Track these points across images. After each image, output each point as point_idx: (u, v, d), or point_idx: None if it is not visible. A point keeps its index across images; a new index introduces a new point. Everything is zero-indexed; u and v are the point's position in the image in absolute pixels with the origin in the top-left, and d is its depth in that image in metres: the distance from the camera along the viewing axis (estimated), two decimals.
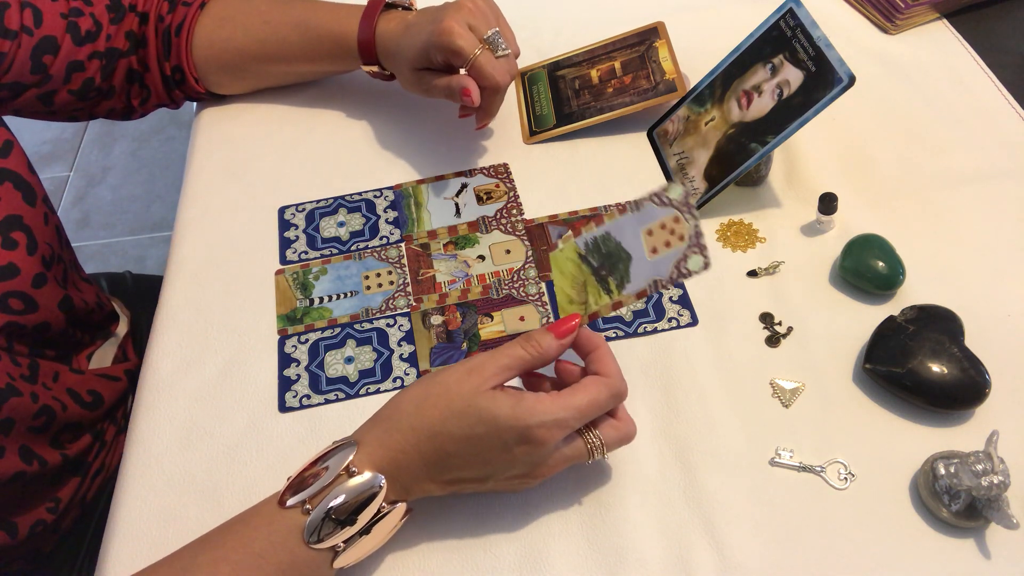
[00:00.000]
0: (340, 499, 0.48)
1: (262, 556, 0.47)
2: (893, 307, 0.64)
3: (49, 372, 0.65)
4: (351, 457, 0.49)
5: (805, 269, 0.67)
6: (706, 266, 0.48)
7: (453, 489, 0.53)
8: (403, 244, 0.72)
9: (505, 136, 0.80)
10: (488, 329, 0.66)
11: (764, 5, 0.71)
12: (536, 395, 0.49)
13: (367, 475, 0.48)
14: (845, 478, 0.56)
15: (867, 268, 0.64)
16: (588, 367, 0.53)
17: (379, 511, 0.49)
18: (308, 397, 0.63)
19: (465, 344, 0.65)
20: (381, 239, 0.72)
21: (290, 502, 0.48)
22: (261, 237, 0.73)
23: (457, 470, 0.50)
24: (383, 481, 0.49)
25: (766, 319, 0.65)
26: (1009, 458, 0.53)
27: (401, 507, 0.50)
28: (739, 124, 0.69)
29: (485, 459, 0.50)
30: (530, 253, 0.70)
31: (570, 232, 0.56)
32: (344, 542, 0.48)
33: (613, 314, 0.63)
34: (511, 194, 0.75)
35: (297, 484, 0.49)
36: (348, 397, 0.63)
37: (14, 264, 0.61)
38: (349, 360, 0.65)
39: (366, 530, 0.49)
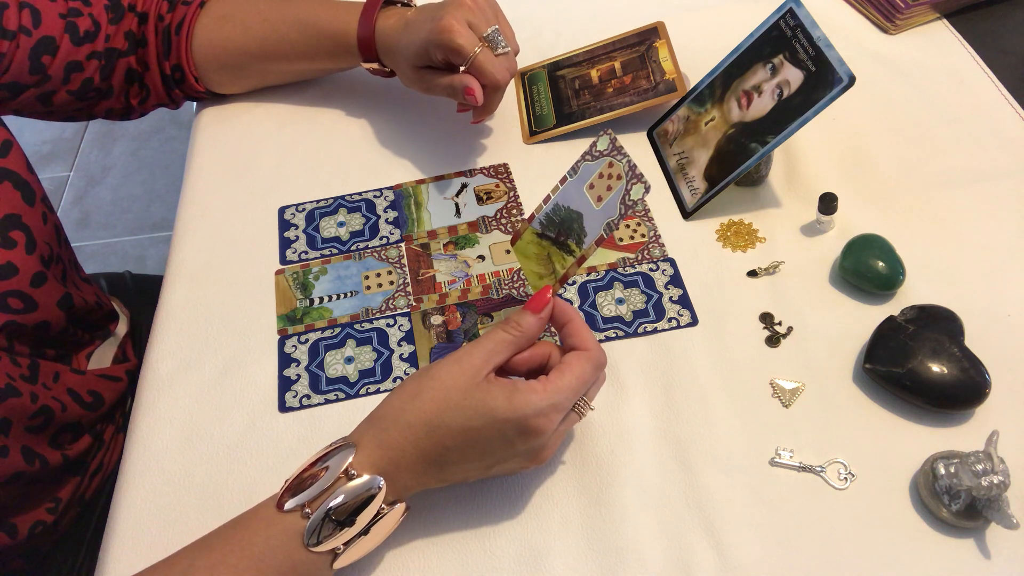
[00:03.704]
0: (339, 499, 0.48)
1: (261, 560, 0.47)
2: (893, 307, 0.64)
3: (49, 372, 0.65)
4: (350, 459, 0.49)
5: (805, 269, 0.67)
6: (647, 190, 0.51)
7: (454, 481, 0.53)
8: (403, 244, 0.72)
9: (505, 136, 0.80)
10: (488, 329, 0.65)
11: (764, 5, 0.71)
12: (528, 383, 0.49)
13: (366, 477, 0.48)
14: (845, 478, 0.56)
15: (867, 268, 0.64)
16: (564, 341, 0.53)
17: (378, 512, 0.49)
18: (308, 397, 0.63)
19: (465, 344, 0.65)
20: (381, 239, 0.72)
21: (288, 505, 0.48)
22: (261, 237, 0.73)
23: (457, 463, 0.50)
24: (382, 483, 0.48)
25: (766, 319, 0.65)
26: (1009, 458, 0.53)
27: (400, 507, 0.50)
28: (739, 124, 0.69)
29: (485, 451, 0.50)
30: None
31: (525, 220, 0.58)
32: (344, 544, 0.48)
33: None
34: (511, 194, 0.75)
35: (295, 486, 0.49)
36: (348, 397, 0.63)
37: (12, 263, 0.61)
38: (349, 360, 0.65)
39: (364, 531, 0.49)
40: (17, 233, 0.62)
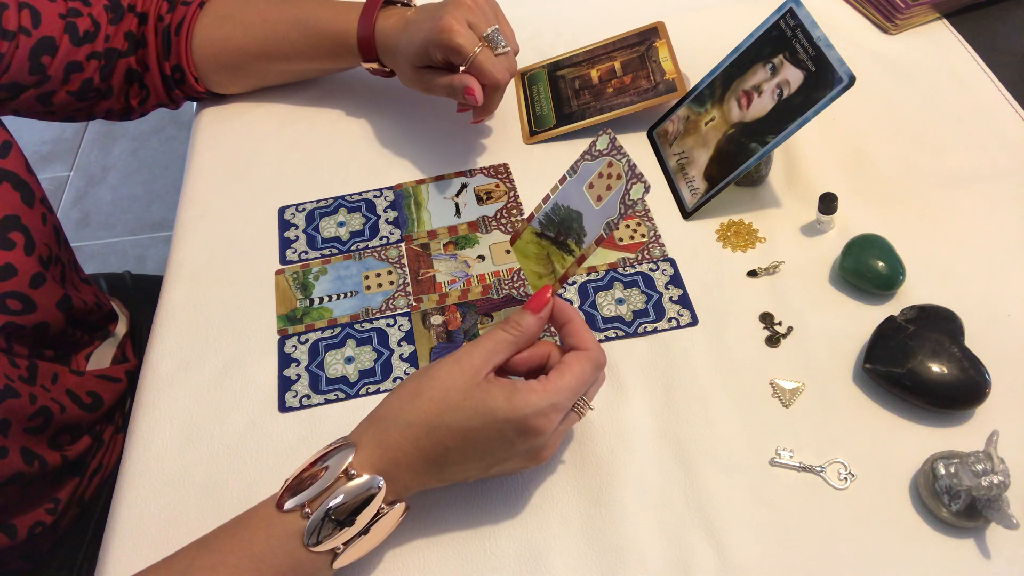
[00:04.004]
0: (339, 499, 0.48)
1: (261, 560, 0.47)
2: (893, 307, 0.64)
3: (48, 373, 0.65)
4: (350, 459, 0.48)
5: (805, 269, 0.67)
6: (647, 190, 0.51)
7: (454, 481, 0.53)
8: (403, 244, 0.72)
9: (505, 136, 0.80)
10: (488, 329, 0.65)
11: (764, 5, 0.71)
12: (527, 383, 0.49)
13: (365, 477, 0.48)
14: (845, 478, 0.56)
15: (867, 268, 0.64)
16: (564, 341, 0.53)
17: (378, 512, 0.49)
18: (308, 397, 0.63)
19: (465, 344, 0.65)
20: (381, 239, 0.72)
21: (288, 505, 0.48)
22: (261, 237, 0.73)
23: (456, 463, 0.50)
24: (382, 482, 0.48)
25: (766, 319, 0.65)
26: (1009, 458, 0.53)
27: (400, 507, 0.50)
28: (739, 124, 0.69)
29: (484, 451, 0.50)
30: None
31: (525, 220, 0.58)
32: (343, 544, 0.48)
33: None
34: (511, 194, 0.74)
35: (295, 486, 0.49)
36: (348, 397, 0.63)
37: (11, 264, 0.61)
38: (349, 360, 0.65)
39: (364, 531, 0.49)
40: (16, 234, 0.62)
